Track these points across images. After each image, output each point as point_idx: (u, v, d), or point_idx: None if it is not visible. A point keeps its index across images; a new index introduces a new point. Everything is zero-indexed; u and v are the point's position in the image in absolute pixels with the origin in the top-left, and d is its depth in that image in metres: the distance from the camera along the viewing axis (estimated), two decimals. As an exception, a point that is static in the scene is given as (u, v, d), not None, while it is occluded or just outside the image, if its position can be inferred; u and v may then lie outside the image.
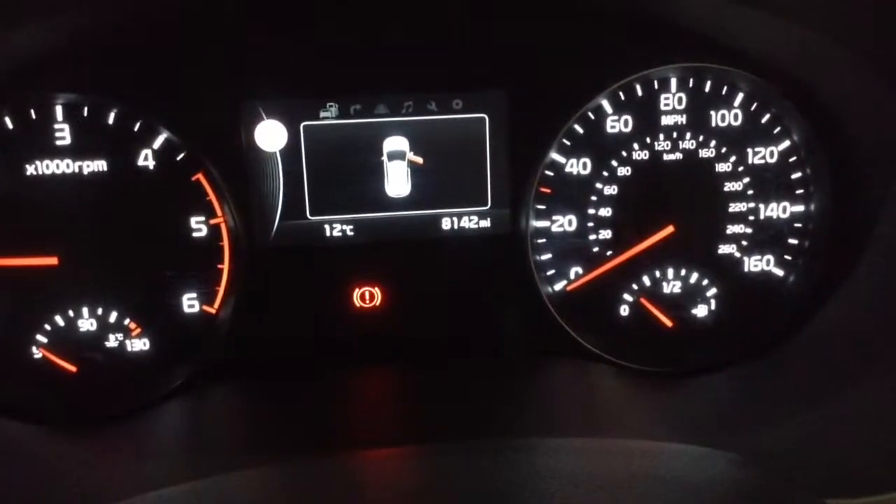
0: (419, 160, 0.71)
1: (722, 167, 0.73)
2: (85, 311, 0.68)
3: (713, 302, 0.75)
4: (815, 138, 0.71)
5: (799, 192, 0.73)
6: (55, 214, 0.66)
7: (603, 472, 0.49)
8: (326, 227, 0.71)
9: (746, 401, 0.70)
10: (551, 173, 0.72)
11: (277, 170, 0.69)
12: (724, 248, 0.74)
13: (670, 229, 0.72)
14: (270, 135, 0.69)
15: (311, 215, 0.70)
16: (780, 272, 0.75)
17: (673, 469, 0.51)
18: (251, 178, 0.69)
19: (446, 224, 0.72)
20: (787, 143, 0.72)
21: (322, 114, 0.69)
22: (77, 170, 0.66)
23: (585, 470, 0.49)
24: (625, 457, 0.53)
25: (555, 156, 0.72)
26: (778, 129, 0.72)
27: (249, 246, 0.69)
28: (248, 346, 0.70)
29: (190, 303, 0.70)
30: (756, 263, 0.75)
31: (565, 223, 0.73)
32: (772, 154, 0.73)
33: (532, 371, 0.71)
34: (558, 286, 0.74)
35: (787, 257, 0.74)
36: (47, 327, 0.68)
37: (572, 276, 0.74)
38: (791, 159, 0.73)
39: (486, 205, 0.72)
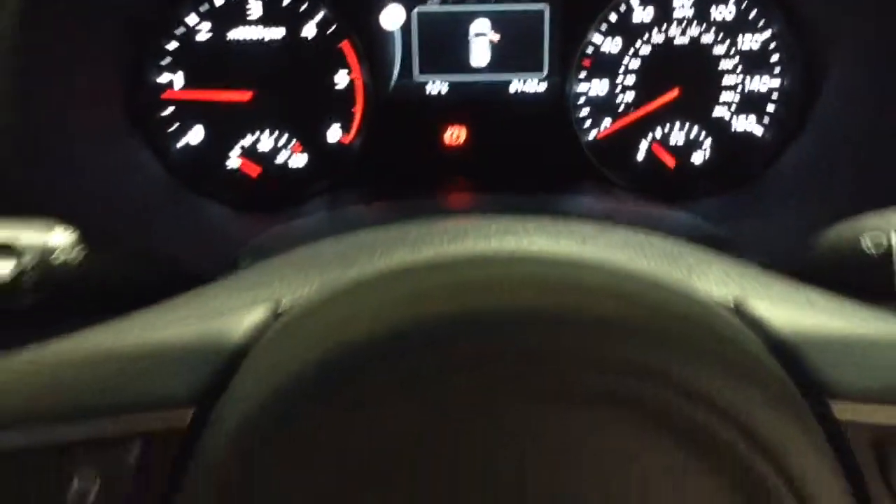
0: (496, 38, 0.99)
1: (718, 50, 0.96)
2: (266, 134, 0.98)
3: (707, 151, 1.01)
4: (788, 30, 0.96)
5: (776, 70, 0.98)
6: (248, 66, 0.95)
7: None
8: (428, 84, 1.00)
9: (731, 216, 0.96)
10: (591, 51, 0.98)
11: (396, 42, 0.98)
12: (718, 111, 0.99)
13: (676, 92, 0.98)
14: (392, 16, 0.97)
15: (418, 76, 1.00)
16: (759, 130, 1.00)
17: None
18: (378, 47, 0.98)
19: (514, 86, 1.00)
20: (768, 33, 0.97)
21: (430, 2, 0.97)
22: (262, 36, 0.95)
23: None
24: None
25: (594, 37, 0.98)
26: (762, 21, 0.97)
27: (375, 96, 0.99)
28: (372, 167, 1.00)
29: (334, 133, 1.00)
30: (741, 123, 0.99)
31: (599, 88, 0.99)
32: (756, 41, 0.97)
33: (571, 190, 0.99)
34: (591, 135, 1.01)
35: (765, 119, 1.00)
36: (240, 144, 0.99)
37: (602, 127, 1.01)
38: (771, 46, 0.97)
39: (543, 73, 1.00)
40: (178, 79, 0.95)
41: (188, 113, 0.96)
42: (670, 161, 1.00)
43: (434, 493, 0.37)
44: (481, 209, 0.92)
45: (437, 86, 0.99)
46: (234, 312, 0.44)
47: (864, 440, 0.40)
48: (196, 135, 0.97)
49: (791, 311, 0.45)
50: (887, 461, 0.40)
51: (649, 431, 0.36)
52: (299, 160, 0.99)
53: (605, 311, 0.37)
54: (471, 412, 0.36)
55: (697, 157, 1.00)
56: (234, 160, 0.98)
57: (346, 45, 0.96)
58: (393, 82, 0.98)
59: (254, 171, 0.98)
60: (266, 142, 0.98)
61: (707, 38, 0.97)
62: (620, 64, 0.98)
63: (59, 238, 0.58)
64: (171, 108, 0.96)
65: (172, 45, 0.95)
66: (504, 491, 0.36)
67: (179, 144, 0.97)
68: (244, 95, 0.96)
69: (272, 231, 0.87)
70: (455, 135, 1.00)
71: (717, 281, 0.47)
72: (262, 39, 0.95)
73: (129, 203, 0.87)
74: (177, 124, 0.96)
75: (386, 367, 0.36)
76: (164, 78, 0.95)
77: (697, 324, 0.39)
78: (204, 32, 0.95)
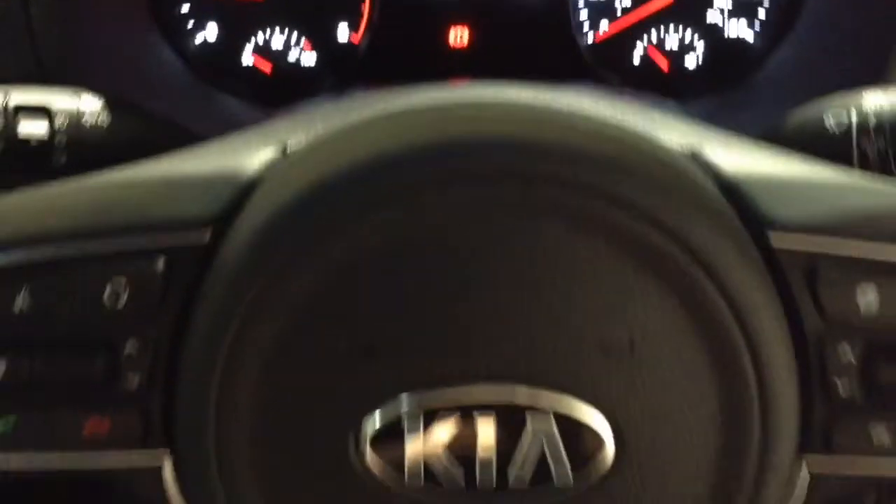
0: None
1: (713, -46, 1.01)
2: (276, 31, 1.02)
3: (700, 54, 1.04)
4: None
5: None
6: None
7: None
8: (434, -14, 1.04)
9: (722, 115, 1.00)
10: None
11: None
12: (711, 16, 1.03)
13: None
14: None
15: (425, -22, 1.04)
16: (750, 34, 1.04)
17: None
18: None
19: (516, -11, 1.04)
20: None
21: None
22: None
23: None
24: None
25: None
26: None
27: (382, -1, 1.03)
28: (378, 65, 1.05)
29: (342, 32, 1.04)
30: (734, 27, 1.03)
31: None
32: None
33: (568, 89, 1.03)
34: (590, 38, 1.04)
35: (756, 23, 1.03)
36: (253, 41, 1.03)
37: (600, 30, 1.04)
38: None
39: (543, -22, 1.04)
40: (195, -24, 1.00)
41: (204, 10, 1.01)
42: (664, 63, 1.05)
43: (417, 295, 0.43)
44: None
45: (441, -13, 1.03)
46: (246, 151, 0.50)
47: (796, 265, 0.46)
48: (211, 32, 1.02)
49: (742, 157, 0.50)
50: (816, 283, 0.46)
51: (601, 244, 0.42)
52: (309, 58, 1.04)
53: (569, 139, 0.43)
54: (453, 222, 0.42)
55: (691, 60, 1.05)
56: (247, 57, 1.03)
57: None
58: (399, -16, 1.03)
59: (266, 67, 1.03)
60: (278, 39, 1.03)
61: (703, -58, 1.00)
62: (619, -32, 1.02)
63: (90, 102, 0.64)
64: (187, 5, 1.01)
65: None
66: (474, 290, 0.43)
67: (197, 41, 1.02)
68: (258, -5, 1.00)
69: (279, 114, 0.92)
70: (459, 35, 1.05)
71: (679, 134, 0.53)
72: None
73: (152, 94, 0.93)
74: (193, 21, 1.01)
75: (380, 183, 0.42)
76: (181, -25, 1.00)
77: (652, 156, 0.45)
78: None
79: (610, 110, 0.53)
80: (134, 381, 0.45)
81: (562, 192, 0.41)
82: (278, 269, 0.42)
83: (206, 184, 0.47)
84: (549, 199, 0.42)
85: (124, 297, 0.45)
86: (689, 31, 1.04)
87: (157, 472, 0.47)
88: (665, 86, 1.05)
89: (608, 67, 1.05)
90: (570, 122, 0.45)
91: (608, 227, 0.42)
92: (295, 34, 1.03)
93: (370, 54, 1.04)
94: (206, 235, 0.45)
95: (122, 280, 0.45)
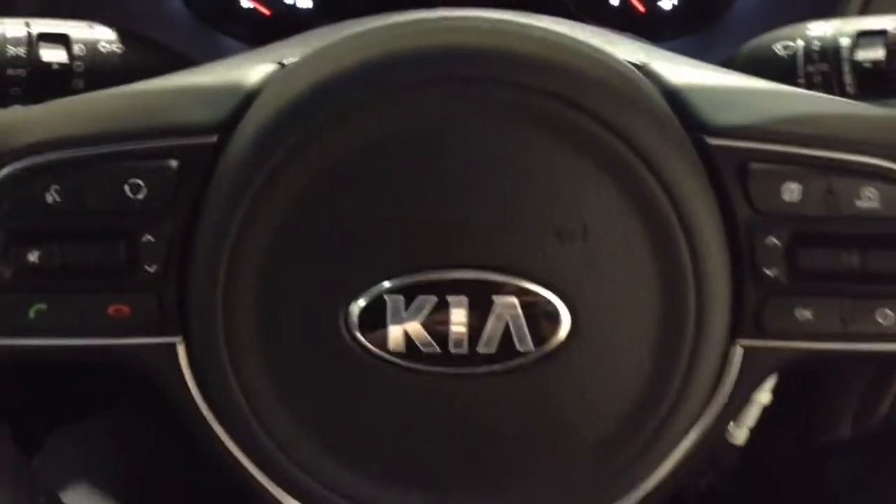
0: None
1: None
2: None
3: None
4: None
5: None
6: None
7: None
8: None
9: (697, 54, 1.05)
10: None
11: None
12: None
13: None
14: None
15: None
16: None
17: None
18: None
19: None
20: None
21: None
22: None
23: None
24: None
25: None
26: None
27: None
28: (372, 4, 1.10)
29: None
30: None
31: None
32: None
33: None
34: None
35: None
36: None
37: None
38: None
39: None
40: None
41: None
42: (640, 6, 1.10)
43: (395, 189, 0.50)
44: None
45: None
46: (249, 66, 0.56)
47: (729, 162, 0.52)
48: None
49: (686, 70, 0.57)
50: (746, 178, 0.52)
51: (557, 141, 0.49)
52: (305, 1, 1.10)
53: (530, 49, 0.50)
54: (426, 121, 0.49)
55: (666, 3, 1.10)
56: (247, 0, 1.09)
57: None
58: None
59: (265, 9, 1.09)
60: (274, -15, 1.08)
61: None
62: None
63: (104, 32, 0.70)
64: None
65: None
66: (446, 185, 0.49)
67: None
68: (254, -64, 1.06)
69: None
70: (446, -21, 1.10)
71: (631, 51, 0.59)
72: None
73: (155, 34, 0.98)
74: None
75: (367, 85, 0.48)
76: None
77: (603, 63, 0.51)
78: None
79: (570, 30, 0.59)
80: (151, 269, 0.52)
81: (523, 95, 0.48)
82: (276, 165, 0.49)
83: (213, 93, 0.54)
84: (512, 101, 0.48)
85: (142, 193, 0.51)
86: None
87: (174, 357, 0.54)
88: (641, 27, 1.10)
89: (585, 11, 1.11)
90: (531, 34, 0.52)
91: (563, 127, 0.49)
92: (292, -23, 1.08)
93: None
94: (214, 138, 0.52)
95: (140, 177, 0.51)
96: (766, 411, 0.78)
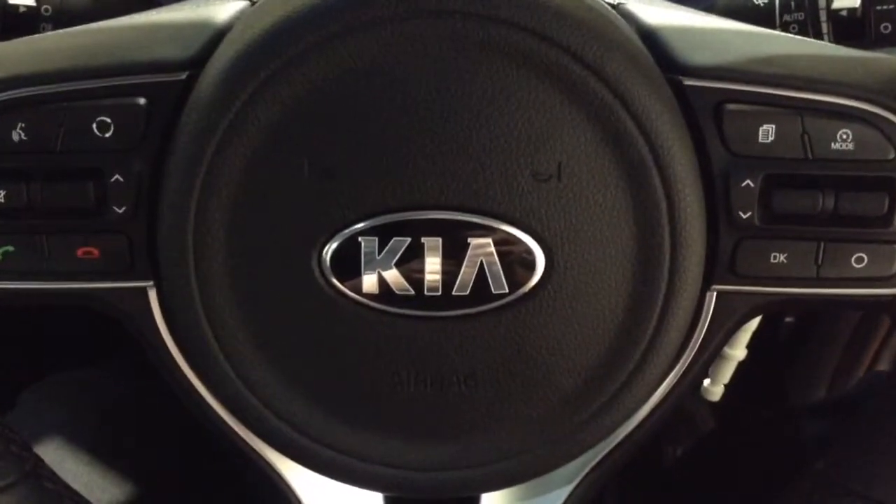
0: None
1: None
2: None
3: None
4: None
5: None
6: None
7: None
8: None
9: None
10: None
11: None
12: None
13: None
14: None
15: None
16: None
17: None
18: None
19: None
20: None
21: None
22: None
23: None
24: None
25: None
26: None
27: None
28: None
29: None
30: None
31: None
32: None
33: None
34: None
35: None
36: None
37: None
38: None
39: None
40: None
41: None
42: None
43: (369, 124, 0.49)
44: None
45: None
46: (218, 3, 0.55)
47: (705, 103, 0.52)
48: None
49: (662, 12, 0.56)
50: (721, 119, 0.52)
51: (532, 78, 0.48)
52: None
53: None
54: (401, 57, 0.48)
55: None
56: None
57: None
58: None
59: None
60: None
61: None
62: None
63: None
64: None
65: None
66: (421, 122, 0.49)
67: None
68: None
69: None
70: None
71: None
72: None
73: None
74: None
75: (339, 18, 0.48)
76: None
77: (580, 3, 0.50)
78: None
79: None
80: (120, 210, 0.51)
81: (497, 29, 0.47)
82: (245, 101, 0.48)
83: (182, 30, 0.53)
84: (487, 36, 0.47)
85: (110, 132, 0.50)
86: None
87: (145, 301, 0.53)
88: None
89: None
90: None
91: (538, 63, 0.48)
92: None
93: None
94: (183, 75, 0.51)
95: (108, 115, 0.50)
96: (744, 375, 0.79)
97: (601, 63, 0.48)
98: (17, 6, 0.65)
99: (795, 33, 0.67)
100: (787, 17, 0.67)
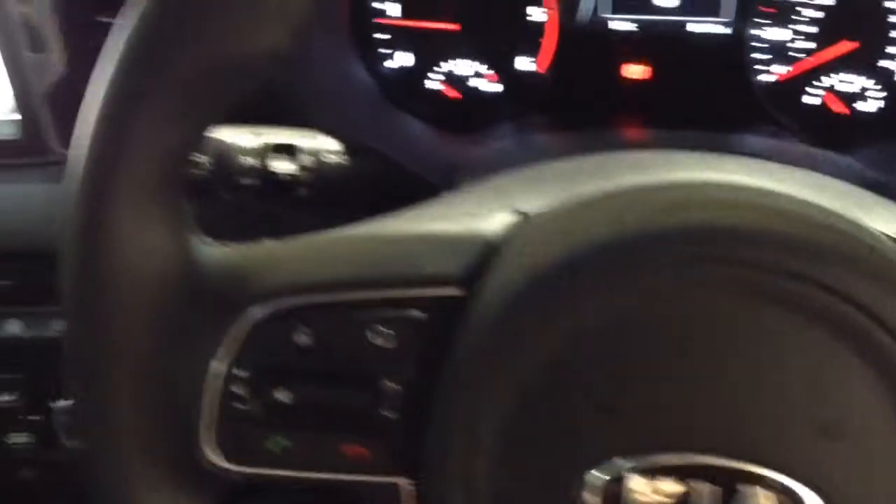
0: (683, -16, 1.06)
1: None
2: (466, 62, 1.09)
3: (878, 101, 1.05)
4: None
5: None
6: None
7: None
8: (615, 23, 1.08)
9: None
10: (775, -1, 1.05)
11: (589, -17, 1.07)
12: (891, 64, 1.04)
13: (852, 44, 1.02)
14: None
15: (606, 14, 1.08)
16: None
17: None
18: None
19: (695, 28, 1.06)
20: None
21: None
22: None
23: None
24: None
25: (778, -12, 1.04)
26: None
27: (566, 31, 1.08)
28: (557, 98, 1.10)
29: (524, 64, 1.11)
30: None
31: (776, 35, 1.04)
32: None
33: (741, 131, 1.06)
34: (765, 79, 1.07)
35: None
36: (443, 69, 1.11)
37: (777, 72, 1.06)
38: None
39: (724, 17, 1.06)
40: (395, 8, 1.07)
41: (401, 38, 1.08)
42: (841, 109, 1.06)
43: (648, 367, 0.49)
44: (656, 144, 1.01)
45: (623, 24, 1.07)
46: (486, 212, 0.56)
47: None
48: (406, 58, 1.09)
49: None
50: None
51: (815, 330, 0.47)
52: (493, 87, 1.10)
53: (790, 230, 0.47)
54: (684, 303, 0.48)
55: (868, 107, 1.06)
56: (436, 83, 1.10)
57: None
58: (583, 19, 1.07)
59: (453, 93, 1.10)
60: (465, 69, 1.09)
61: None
62: (800, 12, 1.04)
63: (327, 142, 0.72)
64: (387, 34, 1.08)
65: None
66: (700, 368, 0.48)
67: (391, 65, 1.09)
68: (453, 26, 1.07)
69: (474, 154, 0.99)
70: (635, 72, 1.09)
71: (883, 220, 0.56)
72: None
73: (353, 113, 1.01)
74: (390, 48, 1.09)
75: (621, 260, 0.48)
76: (382, 6, 1.07)
77: (872, 250, 0.48)
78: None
79: (820, 191, 0.57)
80: (391, 415, 0.53)
81: (785, 282, 0.46)
82: (524, 331, 0.49)
83: (454, 243, 0.54)
84: (771, 287, 0.47)
85: (385, 340, 0.52)
86: (868, 76, 1.05)
87: (395, 496, 0.55)
88: (840, 131, 1.06)
89: (782, 111, 1.07)
90: (793, 210, 0.50)
91: (834, 321, 0.46)
92: (483, 65, 1.09)
93: (550, 86, 1.09)
94: (459, 291, 0.52)
95: (384, 325, 0.52)
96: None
97: (887, 312, 0.46)
98: (275, 174, 0.68)
99: None
100: None
